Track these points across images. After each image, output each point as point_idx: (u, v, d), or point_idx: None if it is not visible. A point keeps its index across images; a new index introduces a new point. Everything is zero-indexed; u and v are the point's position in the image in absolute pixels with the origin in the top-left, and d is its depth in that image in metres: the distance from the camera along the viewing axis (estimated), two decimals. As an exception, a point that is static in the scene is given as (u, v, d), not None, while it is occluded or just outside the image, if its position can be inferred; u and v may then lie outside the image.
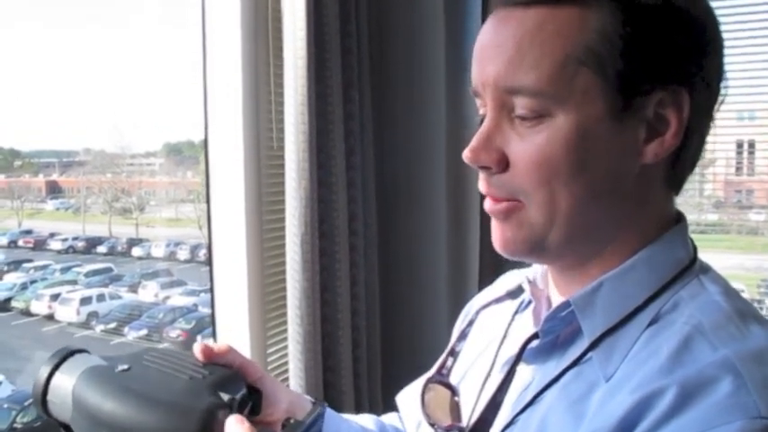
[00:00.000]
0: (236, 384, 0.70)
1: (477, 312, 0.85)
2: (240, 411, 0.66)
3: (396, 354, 1.87)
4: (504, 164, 0.64)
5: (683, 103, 0.61)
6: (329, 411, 0.87)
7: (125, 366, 0.67)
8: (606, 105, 0.60)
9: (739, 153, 2.43)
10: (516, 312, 0.79)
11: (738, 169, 2.54)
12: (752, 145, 2.36)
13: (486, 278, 1.85)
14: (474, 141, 0.65)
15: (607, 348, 0.62)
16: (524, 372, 0.69)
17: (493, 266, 1.89)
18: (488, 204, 0.67)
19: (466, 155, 0.65)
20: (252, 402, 0.73)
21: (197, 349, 0.72)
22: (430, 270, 1.89)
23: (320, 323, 1.52)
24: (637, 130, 0.61)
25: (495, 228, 0.67)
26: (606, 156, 0.61)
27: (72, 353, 0.69)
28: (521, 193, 0.64)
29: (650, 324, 0.62)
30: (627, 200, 0.64)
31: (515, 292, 0.80)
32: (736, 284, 0.68)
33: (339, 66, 1.56)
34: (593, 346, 0.63)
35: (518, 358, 0.68)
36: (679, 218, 0.69)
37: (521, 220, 0.65)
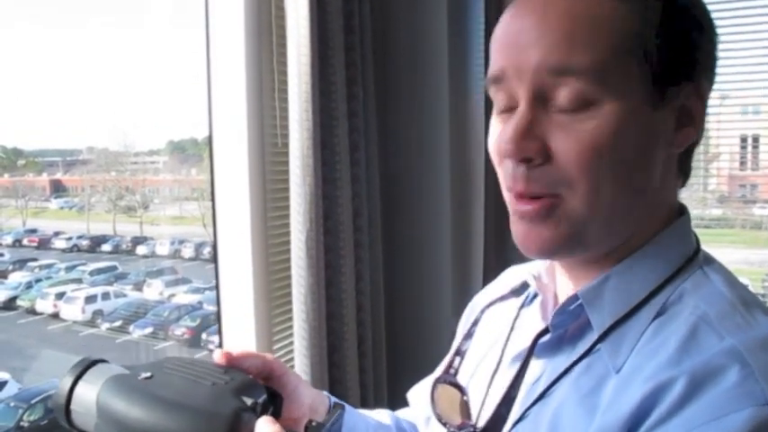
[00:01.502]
0: (257, 389, 0.71)
1: (482, 311, 0.85)
2: (263, 414, 0.67)
3: (401, 349, 1.87)
4: (546, 154, 0.61)
5: (705, 95, 0.64)
6: (347, 407, 0.88)
7: (148, 374, 0.68)
8: (646, 95, 0.61)
9: (743, 147, 2.42)
10: (522, 307, 0.79)
11: (743, 164, 2.53)
12: (756, 139, 2.35)
13: (491, 272, 1.86)
14: (511, 132, 0.61)
15: (615, 340, 0.63)
16: (533, 366, 0.69)
17: (497, 260, 1.90)
18: (521, 206, 0.64)
19: (504, 147, 0.62)
20: (273, 406, 0.73)
21: (217, 355, 0.73)
22: (434, 265, 1.90)
23: (325, 319, 1.52)
24: (670, 120, 0.63)
25: (528, 231, 0.64)
26: (646, 145, 0.63)
27: (93, 363, 0.70)
28: (563, 184, 0.61)
29: (657, 315, 0.62)
30: (651, 190, 0.65)
31: (519, 289, 0.80)
32: (740, 279, 0.68)
33: (342, 62, 1.56)
34: (602, 338, 0.63)
35: (530, 352, 0.69)
36: (682, 209, 0.70)
37: (559, 217, 0.62)
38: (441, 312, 1.89)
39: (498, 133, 0.64)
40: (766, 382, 0.53)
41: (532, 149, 0.61)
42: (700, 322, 0.59)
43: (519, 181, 0.63)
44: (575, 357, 0.64)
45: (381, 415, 0.99)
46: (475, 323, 0.84)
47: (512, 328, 0.77)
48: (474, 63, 1.90)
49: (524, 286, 0.80)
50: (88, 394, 0.67)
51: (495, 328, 0.80)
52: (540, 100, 0.61)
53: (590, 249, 0.66)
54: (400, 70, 1.86)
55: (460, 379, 0.79)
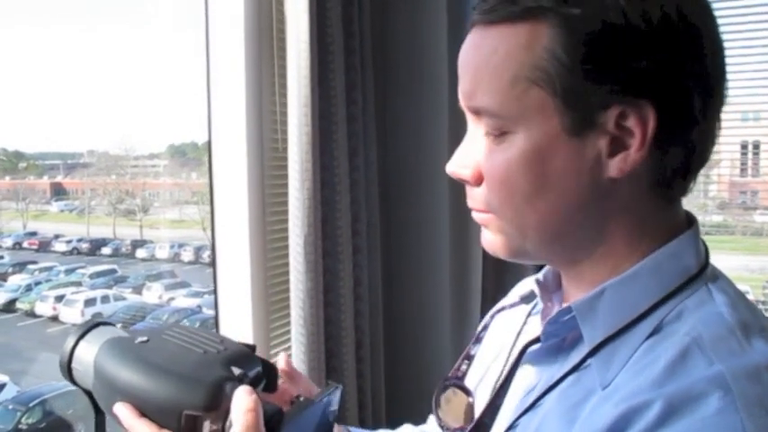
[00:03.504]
0: (250, 361, 0.72)
1: (492, 317, 0.85)
2: (252, 386, 0.67)
3: (399, 354, 1.87)
4: (479, 178, 0.66)
5: (648, 116, 0.59)
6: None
7: (144, 338, 0.70)
8: (562, 122, 0.60)
9: (744, 154, 2.42)
10: (529, 315, 0.79)
11: (743, 170, 2.53)
12: (756, 146, 2.35)
13: (489, 277, 1.87)
14: (454, 156, 0.68)
15: (606, 356, 0.62)
16: (530, 374, 0.69)
17: (496, 266, 1.90)
18: (473, 213, 0.70)
19: (447, 168, 0.68)
20: (267, 380, 0.75)
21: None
22: (433, 271, 1.89)
23: (323, 324, 1.52)
24: (597, 145, 0.60)
25: (482, 232, 0.70)
26: (567, 171, 0.61)
27: (97, 324, 0.73)
28: (492, 207, 0.66)
29: (652, 333, 0.61)
30: (604, 211, 0.63)
31: (529, 297, 0.81)
32: (740, 286, 0.67)
33: (342, 67, 1.56)
34: (593, 352, 0.62)
35: (517, 361, 0.68)
36: (690, 223, 0.67)
37: (497, 229, 0.67)
38: (439, 317, 1.89)
39: None
40: (747, 413, 0.51)
41: (466, 174, 0.67)
42: (692, 345, 0.57)
43: (467, 197, 0.69)
44: (566, 369, 0.64)
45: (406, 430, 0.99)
46: (484, 328, 0.84)
47: (518, 335, 0.78)
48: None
49: (533, 294, 0.79)
50: (87, 354, 0.70)
51: (503, 334, 0.81)
52: (481, 124, 0.65)
53: (540, 259, 0.69)
54: (400, 75, 1.86)
55: (469, 383, 0.79)
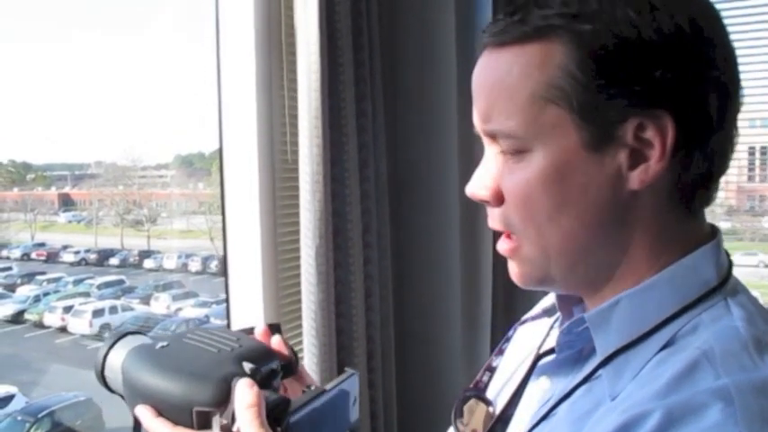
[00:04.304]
0: (265, 357, 0.73)
1: (515, 329, 0.85)
2: (266, 382, 0.69)
3: (411, 364, 1.87)
4: (500, 198, 0.66)
5: (666, 126, 0.59)
6: None
7: (164, 343, 0.74)
8: (580, 137, 0.60)
9: (752, 160, 2.42)
10: (552, 328, 0.79)
11: (751, 176, 2.52)
12: (764, 151, 2.35)
13: (500, 288, 1.87)
14: (473, 177, 0.68)
15: (618, 367, 0.61)
16: (546, 386, 0.69)
17: (506, 273, 1.90)
18: (498, 244, 0.69)
19: (467, 190, 0.68)
20: (287, 365, 0.77)
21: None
22: (444, 280, 1.89)
23: (335, 335, 1.52)
24: (617, 158, 0.60)
25: (508, 264, 0.70)
26: (588, 186, 0.61)
27: (126, 334, 0.78)
28: (514, 227, 0.66)
29: (666, 346, 0.60)
30: (626, 225, 0.63)
31: (551, 310, 0.80)
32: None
33: (352, 79, 1.57)
34: (604, 363, 0.62)
35: (529, 373, 0.69)
36: (713, 234, 0.66)
37: (522, 258, 0.67)
38: (451, 328, 1.89)
39: None
40: (747, 427, 0.50)
41: (485, 195, 0.67)
42: (701, 358, 0.56)
43: (488, 218, 0.69)
44: (579, 379, 0.64)
45: None
46: (507, 340, 0.84)
47: (539, 348, 0.76)
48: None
49: (555, 307, 0.79)
50: (116, 362, 0.75)
51: (525, 346, 0.80)
52: (498, 144, 0.66)
53: (566, 284, 0.68)
54: (409, 86, 1.87)
55: (489, 395, 0.79)
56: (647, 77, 0.59)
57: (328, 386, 0.72)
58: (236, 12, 1.53)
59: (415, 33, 1.86)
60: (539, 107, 0.61)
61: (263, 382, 0.69)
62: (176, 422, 0.68)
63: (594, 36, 0.59)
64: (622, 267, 0.65)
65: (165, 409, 0.69)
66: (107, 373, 0.76)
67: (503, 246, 0.68)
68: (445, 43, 1.84)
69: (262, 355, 0.73)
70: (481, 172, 0.67)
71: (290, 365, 0.78)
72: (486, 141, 0.67)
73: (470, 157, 1.88)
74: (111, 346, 0.76)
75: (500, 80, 0.63)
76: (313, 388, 0.73)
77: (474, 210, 1.88)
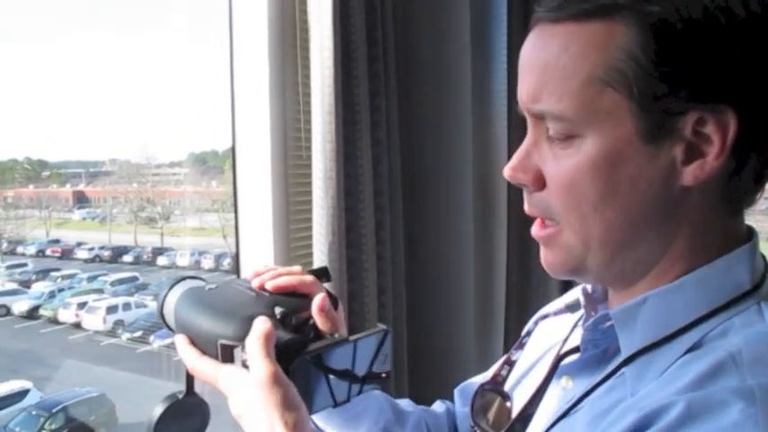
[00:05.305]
0: (300, 308, 0.77)
1: (536, 323, 0.83)
2: (297, 328, 0.73)
3: (423, 360, 1.86)
4: (541, 183, 0.63)
5: (728, 122, 0.56)
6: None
7: (213, 286, 0.81)
8: (636, 126, 0.57)
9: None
10: (575, 326, 0.77)
11: None
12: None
13: (513, 286, 1.85)
14: (513, 159, 0.65)
15: (642, 366, 0.60)
16: (569, 386, 0.68)
17: (520, 272, 1.89)
18: (533, 229, 0.66)
19: (505, 172, 0.65)
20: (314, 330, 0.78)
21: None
22: (457, 278, 1.88)
23: (347, 332, 1.51)
24: (673, 152, 0.58)
25: (542, 251, 0.67)
26: (639, 179, 0.59)
27: (185, 278, 0.85)
28: (555, 214, 0.63)
29: (692, 348, 0.58)
30: (672, 222, 0.61)
31: (574, 306, 0.78)
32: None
33: (366, 74, 1.55)
34: (628, 361, 0.61)
35: (552, 372, 0.67)
36: (750, 236, 0.64)
37: (560, 245, 0.64)
38: (464, 324, 1.88)
39: None
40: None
41: (526, 179, 0.64)
42: (728, 360, 0.54)
43: (525, 202, 0.66)
44: (601, 377, 0.62)
45: (404, 402, 0.96)
46: (528, 334, 0.82)
47: (561, 346, 0.75)
48: (497, 74, 1.89)
49: (579, 303, 0.77)
50: (172, 302, 0.81)
51: (546, 342, 0.79)
52: (543, 129, 0.62)
53: (600, 277, 0.66)
54: (423, 82, 1.86)
55: (507, 388, 0.78)
56: (714, 68, 0.55)
57: (352, 337, 0.72)
58: (250, 7, 1.53)
59: (430, 28, 1.85)
60: (595, 90, 0.58)
61: (294, 328, 0.73)
62: (204, 353, 0.73)
63: (662, 18, 0.55)
64: (660, 265, 0.62)
65: (197, 341, 0.75)
66: (165, 311, 0.83)
67: (538, 231, 0.66)
68: (460, 38, 1.83)
69: (296, 306, 0.76)
70: (522, 154, 0.64)
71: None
72: (530, 122, 0.64)
73: (485, 155, 1.87)
74: (170, 288, 0.83)
75: (554, 59, 0.60)
76: (337, 335, 0.73)
77: (488, 207, 1.86)
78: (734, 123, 0.56)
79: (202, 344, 0.75)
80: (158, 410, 0.78)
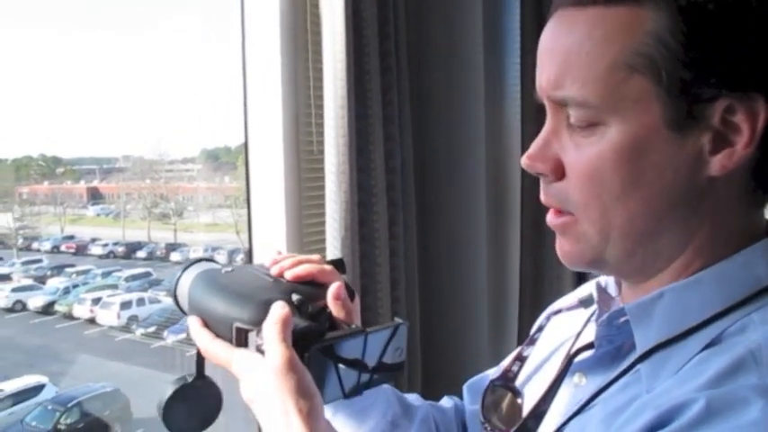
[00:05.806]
0: (316, 297, 0.75)
1: (548, 318, 0.82)
2: (313, 317, 0.71)
3: (436, 354, 1.86)
4: (560, 172, 0.61)
5: (759, 110, 0.54)
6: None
7: (229, 269, 0.78)
8: (663, 113, 0.55)
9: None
10: (588, 321, 0.75)
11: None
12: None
13: (527, 280, 1.84)
14: (531, 147, 0.63)
15: (657, 362, 0.58)
16: (582, 383, 0.67)
17: (533, 266, 1.88)
18: (548, 217, 0.65)
19: (523, 161, 0.63)
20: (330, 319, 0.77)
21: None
22: (470, 272, 1.88)
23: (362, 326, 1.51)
24: (700, 140, 0.56)
25: (557, 241, 0.65)
26: (664, 168, 0.57)
27: (200, 260, 0.83)
28: (573, 205, 0.61)
29: (710, 344, 0.57)
30: (695, 214, 0.59)
31: (587, 301, 0.76)
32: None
33: (378, 68, 1.55)
34: (643, 358, 0.59)
35: (566, 368, 0.66)
36: None
37: (577, 235, 0.62)
38: (477, 319, 1.88)
39: None
40: None
41: (545, 168, 0.62)
42: (748, 357, 0.53)
43: (542, 191, 0.64)
44: (615, 374, 0.61)
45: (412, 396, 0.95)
46: (539, 329, 0.81)
47: (574, 342, 0.74)
48: (510, 68, 1.88)
49: (592, 298, 0.75)
50: (185, 283, 0.80)
51: (558, 338, 0.78)
52: (563, 117, 0.61)
53: (618, 269, 0.64)
54: (436, 76, 1.85)
55: (518, 383, 0.77)
56: (746, 53, 0.54)
57: (369, 329, 0.71)
58: (262, 3, 1.53)
59: (442, 22, 1.85)
60: (621, 76, 0.56)
61: (310, 316, 0.71)
62: (218, 336, 0.72)
63: (692, 2, 0.54)
64: (680, 259, 0.61)
65: (210, 323, 0.74)
66: (178, 292, 0.81)
67: (554, 219, 0.64)
68: (472, 32, 1.82)
69: (312, 294, 0.75)
70: (541, 143, 0.62)
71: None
72: (550, 110, 0.62)
73: (498, 149, 1.86)
74: (184, 270, 0.81)
75: (578, 44, 0.58)
76: (353, 326, 0.72)
77: (501, 201, 1.86)
78: (764, 111, 0.55)
79: (216, 326, 0.73)
80: (168, 391, 0.76)
